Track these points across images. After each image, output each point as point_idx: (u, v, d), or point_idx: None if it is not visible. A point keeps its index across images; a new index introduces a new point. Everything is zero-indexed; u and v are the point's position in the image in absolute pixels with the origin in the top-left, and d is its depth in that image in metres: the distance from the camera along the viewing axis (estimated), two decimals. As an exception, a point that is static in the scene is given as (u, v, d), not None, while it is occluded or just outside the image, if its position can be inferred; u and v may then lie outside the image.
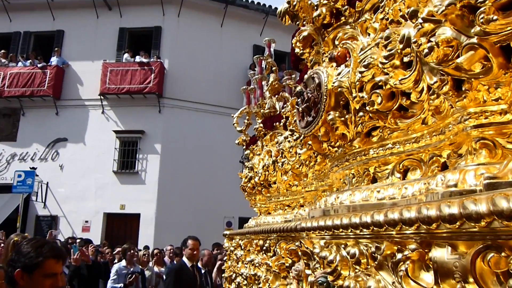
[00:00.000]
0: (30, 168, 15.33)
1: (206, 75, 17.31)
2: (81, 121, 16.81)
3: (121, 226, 16.08)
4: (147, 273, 7.85)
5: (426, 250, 0.85)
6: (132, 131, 16.46)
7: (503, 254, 0.65)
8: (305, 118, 1.70)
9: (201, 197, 15.91)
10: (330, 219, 1.31)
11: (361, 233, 1.14)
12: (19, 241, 4.44)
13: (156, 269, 8.48)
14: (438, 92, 1.11)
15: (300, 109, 1.71)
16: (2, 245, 4.85)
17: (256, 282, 2.49)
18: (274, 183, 2.72)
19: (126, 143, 16.65)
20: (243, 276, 2.87)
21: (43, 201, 16.22)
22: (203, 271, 6.92)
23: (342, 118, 1.50)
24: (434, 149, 1.26)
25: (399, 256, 0.95)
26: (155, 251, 9.12)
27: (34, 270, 2.08)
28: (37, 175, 15.47)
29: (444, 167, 1.21)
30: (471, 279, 0.70)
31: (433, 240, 0.82)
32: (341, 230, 1.24)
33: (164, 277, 8.16)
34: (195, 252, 5.46)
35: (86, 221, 15.94)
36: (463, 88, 1.03)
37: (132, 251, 6.92)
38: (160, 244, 12.22)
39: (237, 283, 3.20)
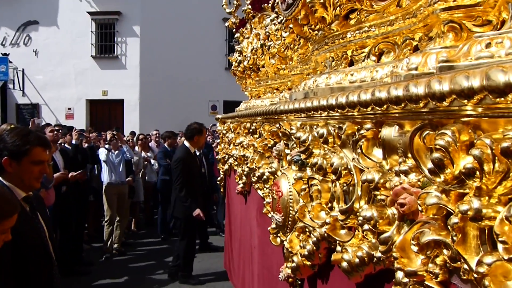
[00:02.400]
0: (2, 54, 15.00)
1: None
2: (50, 1, 15.94)
3: (105, 112, 16.42)
4: (134, 158, 8.27)
5: (379, 130, 1.00)
6: (108, 12, 15.76)
7: (437, 132, 0.79)
8: (286, 0, 1.73)
9: (185, 81, 16.04)
10: (304, 102, 1.45)
11: (330, 114, 1.29)
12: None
13: (142, 153, 8.93)
14: (412, -27, 1.16)
15: (281, -10, 1.73)
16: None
17: (245, 162, 2.74)
18: (263, 66, 2.80)
19: (103, 26, 16.10)
20: (234, 157, 3.13)
21: (21, 89, 16.24)
22: (197, 153, 7.37)
23: (321, 0, 1.54)
24: (408, 32, 1.35)
25: (357, 134, 1.11)
26: (140, 136, 9.41)
27: (22, 157, 2.17)
28: (11, 62, 15.23)
29: (416, 50, 1.31)
30: (409, 154, 0.86)
31: (385, 120, 0.97)
32: (312, 112, 1.38)
33: (156, 162, 8.66)
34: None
35: (69, 108, 16.21)
36: (435, -30, 1.08)
37: (114, 141, 7.17)
38: (145, 129, 12.68)
39: (229, 164, 3.50)
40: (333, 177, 1.30)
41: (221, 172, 4.18)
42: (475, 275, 0.65)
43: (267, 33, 2.52)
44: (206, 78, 16.38)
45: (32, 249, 2.18)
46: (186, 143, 5.58)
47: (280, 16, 2.26)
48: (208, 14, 16.29)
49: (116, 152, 7.17)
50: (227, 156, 3.68)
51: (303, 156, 1.49)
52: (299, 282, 1.73)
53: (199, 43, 16.30)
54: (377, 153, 1.03)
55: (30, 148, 2.19)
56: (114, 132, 7.50)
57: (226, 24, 3.68)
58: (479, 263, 0.65)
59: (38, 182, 2.27)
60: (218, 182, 4.41)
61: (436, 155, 0.72)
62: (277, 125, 1.87)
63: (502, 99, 0.59)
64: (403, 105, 0.84)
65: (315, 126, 1.47)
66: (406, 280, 0.88)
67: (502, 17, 1.00)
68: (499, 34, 0.91)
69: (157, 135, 9.88)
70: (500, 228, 0.59)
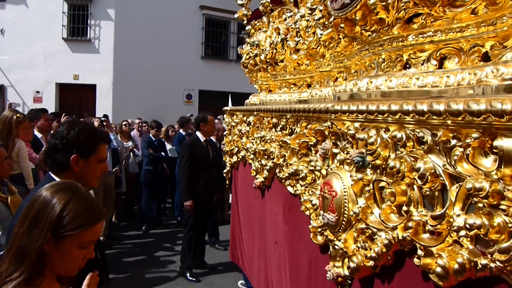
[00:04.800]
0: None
1: None
2: (18, -22, 15.31)
3: (76, 98, 16.02)
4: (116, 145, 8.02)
5: (487, 139, 1.04)
6: (81, -7, 15.33)
7: None
8: (341, 0, 1.73)
9: (160, 68, 15.87)
10: (384, 104, 1.44)
11: (410, 119, 1.31)
12: (21, 117, 4.41)
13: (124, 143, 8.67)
14: (501, -17, 1.18)
15: (337, -11, 1.73)
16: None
17: (266, 156, 2.75)
18: (282, 61, 2.80)
19: (75, 7, 15.60)
20: (249, 150, 3.13)
21: (-15, 69, 15.55)
22: (218, 145, 7.33)
23: (384, 3, 1.56)
24: (476, 39, 1.37)
25: (453, 142, 1.14)
26: (124, 123, 9.08)
27: (90, 155, 2.05)
28: (-26, 41, 14.55)
29: (484, 58, 1.34)
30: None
31: (498, 131, 1.00)
32: (387, 115, 1.41)
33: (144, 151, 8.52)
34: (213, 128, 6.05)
35: (37, 92, 15.66)
36: (531, -19, 1.11)
37: (102, 128, 6.96)
38: (118, 116, 12.44)
39: (240, 157, 3.50)
40: (408, 180, 1.34)
41: (227, 165, 4.18)
42: None
43: (296, 29, 2.52)
44: (181, 67, 16.32)
45: None
46: (197, 133, 5.75)
47: (315, 13, 2.27)
48: (185, 1, 16.13)
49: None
50: (237, 148, 3.68)
51: (369, 158, 1.52)
52: (350, 282, 1.77)
53: (176, 31, 16.19)
54: (483, 162, 1.07)
55: (98, 145, 2.09)
56: (103, 119, 7.30)
57: (236, 15, 3.65)
58: None
59: (98, 182, 2.16)
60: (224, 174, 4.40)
61: None
62: (325, 124, 1.89)
63: None
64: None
65: (383, 129, 1.49)
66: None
67: None
68: None
69: (140, 123, 9.66)
70: None
